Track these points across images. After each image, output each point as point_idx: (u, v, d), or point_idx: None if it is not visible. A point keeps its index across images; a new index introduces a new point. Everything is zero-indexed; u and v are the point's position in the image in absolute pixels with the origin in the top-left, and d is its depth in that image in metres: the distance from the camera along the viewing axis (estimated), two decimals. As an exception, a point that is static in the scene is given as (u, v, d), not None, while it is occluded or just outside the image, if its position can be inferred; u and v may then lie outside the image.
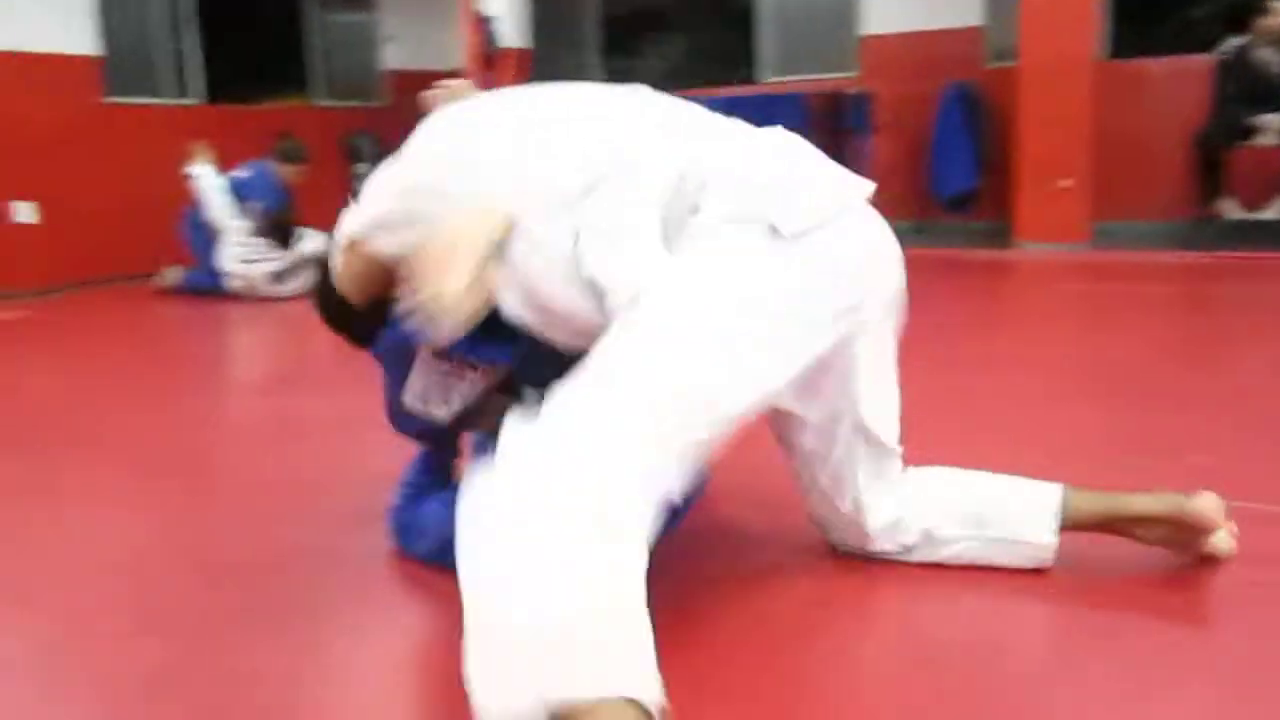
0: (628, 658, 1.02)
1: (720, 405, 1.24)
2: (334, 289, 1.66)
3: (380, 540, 1.87)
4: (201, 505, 2.24)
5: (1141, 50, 6.93)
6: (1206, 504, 1.60)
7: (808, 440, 1.59)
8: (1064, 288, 5.11)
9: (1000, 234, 6.37)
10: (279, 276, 5.44)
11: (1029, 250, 6.02)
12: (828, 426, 1.56)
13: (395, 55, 8.69)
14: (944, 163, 6.95)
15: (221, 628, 1.59)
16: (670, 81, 10.13)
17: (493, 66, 7.46)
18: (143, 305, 5.51)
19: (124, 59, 6.57)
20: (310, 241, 5.54)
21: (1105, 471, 2.16)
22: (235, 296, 5.42)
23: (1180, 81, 6.55)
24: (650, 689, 1.00)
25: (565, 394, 1.19)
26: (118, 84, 6.51)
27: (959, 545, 1.65)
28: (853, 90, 7.30)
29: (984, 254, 6.10)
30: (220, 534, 2.04)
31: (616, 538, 1.06)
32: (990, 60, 7.15)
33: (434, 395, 1.66)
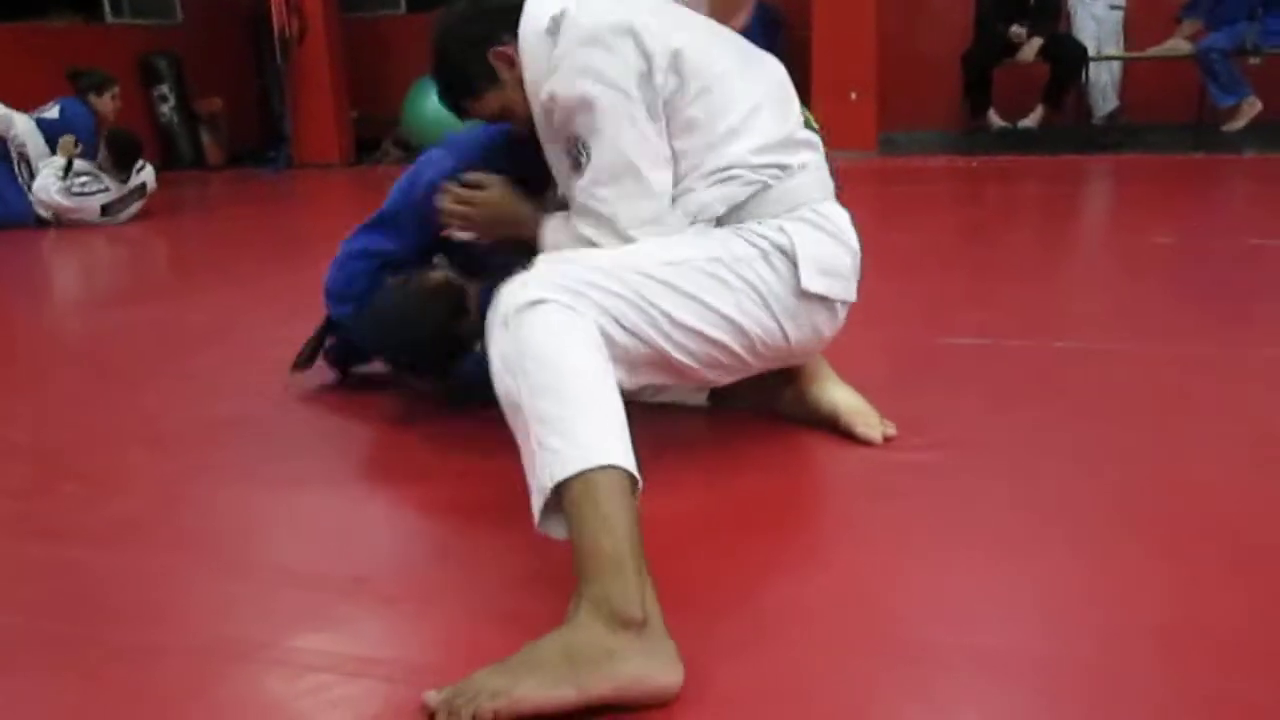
0: (613, 438, 1.23)
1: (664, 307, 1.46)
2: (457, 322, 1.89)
3: (302, 408, 2.10)
4: (122, 391, 2.37)
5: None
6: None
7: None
8: (856, 190, 5.63)
9: (798, 145, 6.87)
10: (108, 208, 5.29)
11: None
12: None
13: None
14: (745, 79, 7.37)
15: (180, 484, 1.80)
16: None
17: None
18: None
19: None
20: (145, 173, 5.41)
21: (906, 328, 2.62)
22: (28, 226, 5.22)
23: (950, 1, 7.19)
24: (627, 460, 1.21)
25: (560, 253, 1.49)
26: None
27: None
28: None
29: (784, 164, 6.60)
30: (154, 411, 2.20)
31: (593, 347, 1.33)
32: (785, -19, 7.60)
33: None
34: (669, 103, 1.55)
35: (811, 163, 1.66)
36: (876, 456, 1.76)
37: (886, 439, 1.80)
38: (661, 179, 1.56)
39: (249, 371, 2.44)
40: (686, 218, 1.58)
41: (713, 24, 1.71)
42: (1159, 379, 2.11)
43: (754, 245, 1.55)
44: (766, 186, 1.59)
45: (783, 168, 1.60)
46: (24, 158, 5.31)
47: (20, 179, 5.31)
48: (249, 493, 1.75)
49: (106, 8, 7.74)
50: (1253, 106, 6.16)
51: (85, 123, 5.43)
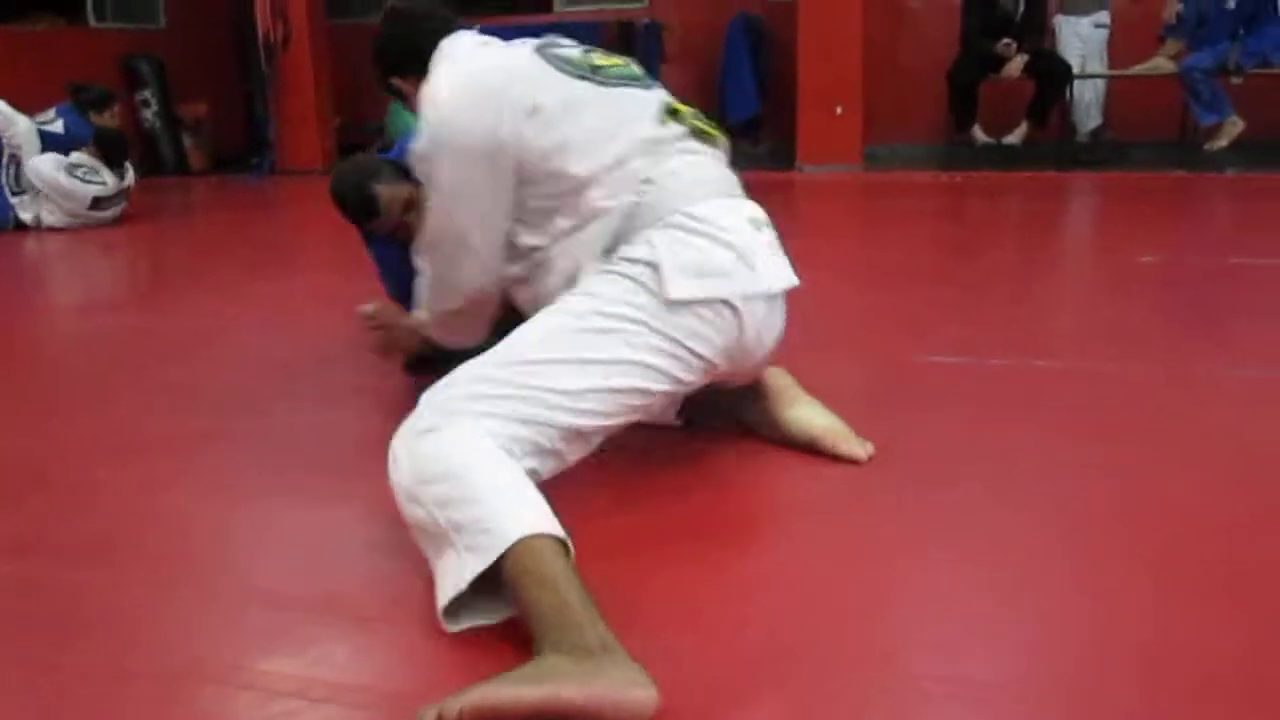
0: (526, 510, 1.26)
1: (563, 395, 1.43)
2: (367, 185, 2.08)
3: (277, 420, 2.08)
4: (96, 400, 2.34)
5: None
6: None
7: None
8: (841, 203, 5.66)
9: (782, 156, 6.89)
10: (99, 202, 5.25)
11: (809, 172, 6.57)
12: None
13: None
14: (731, 91, 7.40)
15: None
16: (464, 8, 10.06)
17: (285, -4, 7.29)
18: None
19: None
20: (130, 174, 5.40)
21: (888, 345, 2.62)
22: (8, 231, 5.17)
23: (938, 17, 7.22)
24: (553, 527, 1.24)
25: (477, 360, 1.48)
26: None
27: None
28: (644, 20, 7.62)
29: (770, 175, 6.59)
30: (127, 422, 2.17)
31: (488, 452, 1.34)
32: (771, -6, 7.63)
33: None
34: (521, 159, 1.60)
35: (683, 167, 1.65)
36: (854, 476, 1.74)
37: (869, 457, 1.79)
38: (488, 240, 1.66)
39: (225, 381, 2.41)
40: (572, 261, 1.62)
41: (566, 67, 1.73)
42: (1140, 398, 2.10)
43: (624, 277, 1.53)
44: (636, 205, 1.59)
45: (647, 181, 1.61)
46: (15, 160, 5.25)
47: (5, 182, 5.26)
48: (220, 507, 1.73)
49: (89, 10, 7.68)
50: (1235, 125, 6.20)
51: (86, 137, 5.39)
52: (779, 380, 1.86)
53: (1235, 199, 5.16)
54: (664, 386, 1.53)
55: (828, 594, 1.37)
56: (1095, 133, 6.97)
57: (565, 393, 1.43)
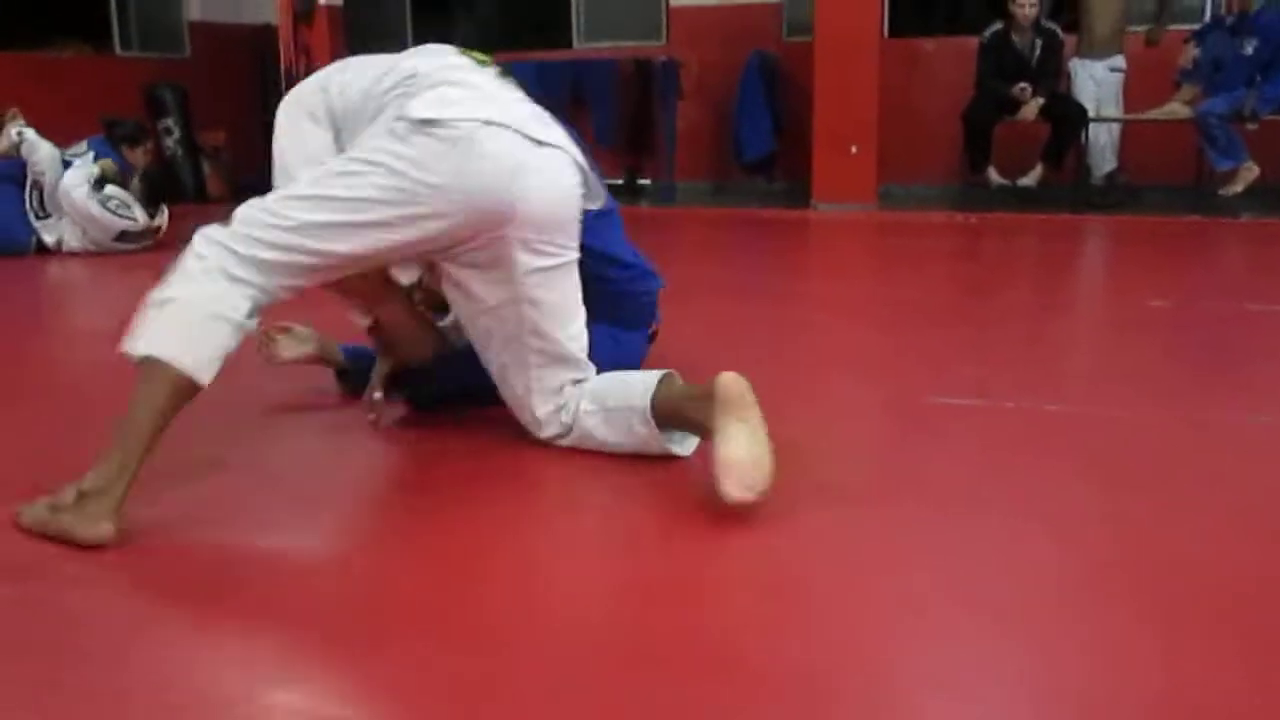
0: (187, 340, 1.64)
1: (308, 230, 1.73)
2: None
3: (283, 449, 2.08)
4: (105, 426, 2.35)
5: (916, 30, 7.64)
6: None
7: (483, 321, 1.93)
8: (855, 242, 5.67)
9: (796, 195, 6.91)
10: (125, 236, 5.27)
11: (823, 210, 6.59)
12: (499, 312, 1.90)
13: (201, 7, 8.44)
14: (746, 129, 7.44)
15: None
16: (483, 44, 10.18)
17: (309, 24, 7.39)
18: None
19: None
20: (163, 216, 5.44)
21: (900, 385, 2.61)
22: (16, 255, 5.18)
23: (951, 59, 7.27)
24: (194, 364, 1.63)
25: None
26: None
27: (593, 419, 1.93)
28: (661, 58, 7.69)
29: (784, 213, 6.62)
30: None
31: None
32: (788, 34, 7.69)
33: None
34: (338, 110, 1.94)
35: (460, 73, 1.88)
36: (864, 517, 1.73)
37: (757, 496, 1.65)
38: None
39: (231, 412, 2.41)
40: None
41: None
42: (1151, 445, 2.09)
43: (388, 133, 1.77)
44: (412, 79, 1.85)
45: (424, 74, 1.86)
46: (38, 186, 5.28)
47: (30, 207, 5.29)
48: (224, 535, 1.72)
49: (115, 39, 7.80)
50: (1250, 171, 6.20)
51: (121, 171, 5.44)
52: (731, 388, 1.72)
53: (1250, 244, 5.15)
54: (395, 213, 1.73)
55: (832, 634, 1.35)
56: (1110, 176, 6.98)
57: (316, 224, 1.73)
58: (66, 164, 5.30)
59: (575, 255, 1.93)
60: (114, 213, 5.22)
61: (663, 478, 1.88)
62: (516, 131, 1.79)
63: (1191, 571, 1.51)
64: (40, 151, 5.24)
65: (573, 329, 1.95)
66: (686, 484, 1.85)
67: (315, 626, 1.40)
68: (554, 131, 1.88)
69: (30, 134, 5.29)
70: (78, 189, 5.16)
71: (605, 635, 1.31)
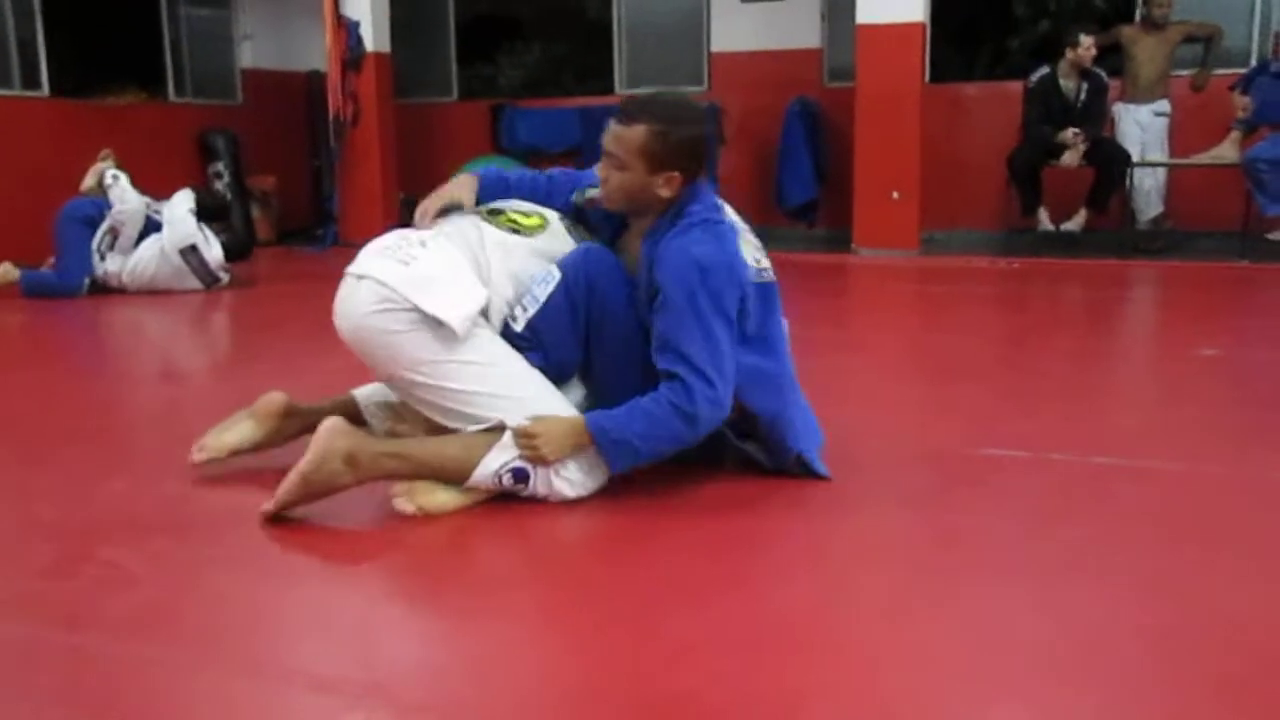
0: None
1: None
2: None
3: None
4: (149, 471, 2.37)
5: (958, 75, 7.63)
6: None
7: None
8: (898, 288, 5.63)
9: (839, 241, 6.89)
10: (210, 277, 5.39)
11: (865, 256, 6.56)
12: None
13: (253, 54, 8.63)
14: (788, 175, 7.44)
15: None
16: (528, 89, 10.44)
17: (357, 70, 7.53)
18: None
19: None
20: (225, 279, 5.51)
21: (947, 437, 2.57)
22: (73, 298, 5.25)
23: (995, 104, 7.25)
24: None
25: None
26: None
27: None
28: (703, 103, 7.73)
29: (825, 258, 6.60)
30: (178, 495, 2.19)
31: None
32: (829, 80, 7.72)
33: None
34: None
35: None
36: (906, 573, 1.70)
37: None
38: None
39: (273, 456, 2.43)
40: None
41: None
42: (1201, 500, 2.04)
43: None
44: None
45: None
46: (114, 234, 5.34)
47: (97, 252, 5.34)
48: (266, 585, 1.73)
49: (170, 86, 7.99)
50: (1300, 216, 6.10)
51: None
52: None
53: (1303, 291, 5.05)
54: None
55: (868, 686, 1.32)
56: (1156, 221, 6.90)
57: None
58: (149, 220, 5.38)
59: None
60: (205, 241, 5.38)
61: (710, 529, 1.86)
62: (350, 274, 2.18)
63: (1242, 636, 1.47)
64: (130, 202, 5.29)
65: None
66: (731, 538, 1.83)
67: (359, 684, 1.39)
68: (379, 260, 2.15)
69: (124, 180, 5.34)
70: (181, 215, 5.33)
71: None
